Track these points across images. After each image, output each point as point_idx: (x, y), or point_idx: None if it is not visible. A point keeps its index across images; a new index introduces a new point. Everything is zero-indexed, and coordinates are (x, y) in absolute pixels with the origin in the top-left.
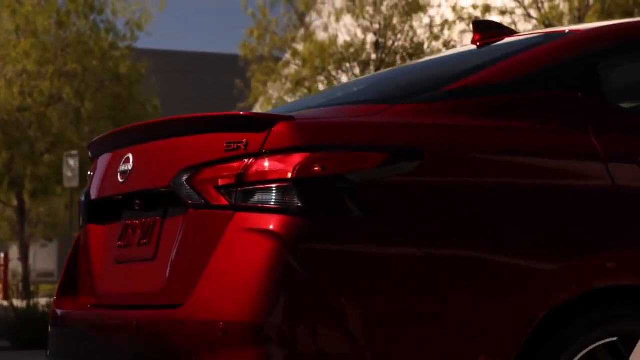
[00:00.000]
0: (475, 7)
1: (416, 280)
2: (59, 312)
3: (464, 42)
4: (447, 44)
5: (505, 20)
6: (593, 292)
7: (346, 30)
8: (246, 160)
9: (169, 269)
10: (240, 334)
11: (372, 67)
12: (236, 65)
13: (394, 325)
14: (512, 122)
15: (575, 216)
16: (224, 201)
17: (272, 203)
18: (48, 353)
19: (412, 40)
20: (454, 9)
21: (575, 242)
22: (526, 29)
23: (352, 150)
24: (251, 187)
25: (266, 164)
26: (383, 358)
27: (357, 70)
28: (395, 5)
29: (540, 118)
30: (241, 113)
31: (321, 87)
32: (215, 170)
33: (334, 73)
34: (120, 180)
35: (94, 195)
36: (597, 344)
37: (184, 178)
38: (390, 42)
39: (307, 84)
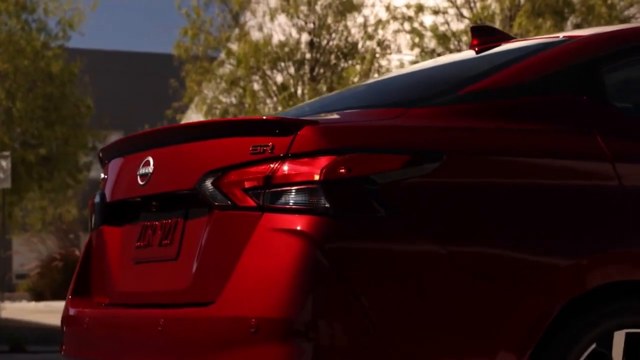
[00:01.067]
0: (408, 6)
1: (439, 276)
2: (73, 311)
3: (398, 41)
4: (381, 44)
5: (438, 20)
6: (606, 287)
7: (281, 29)
8: (273, 163)
9: (194, 268)
10: (271, 330)
11: (306, 67)
12: (170, 64)
13: (418, 320)
14: (524, 125)
15: (588, 214)
16: (251, 202)
17: (300, 204)
18: (63, 352)
19: (346, 39)
20: (387, 8)
21: (588, 239)
22: (459, 28)
23: (376, 152)
24: (279, 189)
25: (293, 166)
26: (408, 352)
27: (291, 70)
28: (329, 5)
29: (550, 121)
30: (266, 117)
31: (256, 86)
32: (241, 173)
33: (268, 72)
34: (141, 182)
35: (109, 197)
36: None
37: (210, 180)
38: (324, 42)
39: (242, 83)
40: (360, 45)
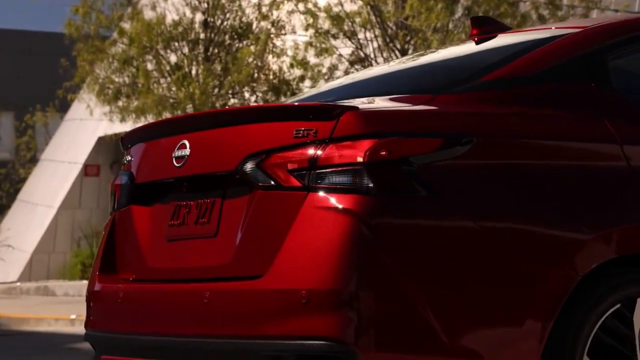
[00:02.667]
0: None
1: (472, 249)
2: (100, 287)
3: (292, 22)
4: (275, 24)
5: (332, 1)
6: (623, 259)
7: (174, 9)
8: (317, 146)
9: (237, 244)
10: (321, 300)
11: (200, 47)
12: (61, 43)
13: (454, 291)
14: (542, 111)
15: (603, 192)
16: (296, 183)
17: (345, 184)
18: (90, 325)
19: (240, 19)
20: None
21: (603, 214)
22: (352, 9)
23: (412, 136)
24: (324, 170)
25: (337, 149)
26: (444, 321)
27: (185, 50)
28: None
29: (564, 107)
30: (309, 104)
31: (149, 66)
32: (285, 156)
33: (162, 52)
34: (177, 164)
35: (139, 178)
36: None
37: (253, 162)
38: (219, 22)
39: (135, 63)
40: (254, 26)
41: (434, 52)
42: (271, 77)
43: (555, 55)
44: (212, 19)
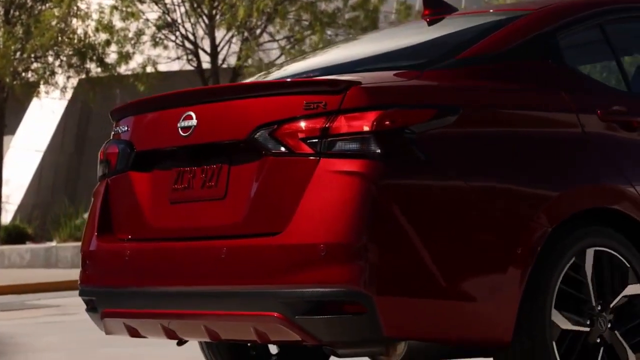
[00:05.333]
0: None
1: (462, 204)
2: (96, 247)
3: None
4: None
5: None
6: (581, 214)
7: None
8: (327, 117)
9: (249, 205)
10: (337, 253)
11: (0, 8)
12: None
13: (450, 240)
14: (512, 84)
15: (565, 156)
16: (308, 150)
17: (355, 150)
18: (86, 281)
19: None
20: None
21: (567, 175)
22: None
23: (411, 108)
24: (334, 138)
25: (346, 119)
26: (443, 267)
27: None
28: None
29: (529, 81)
30: (318, 79)
31: None
32: (297, 125)
33: None
34: (183, 134)
35: (140, 147)
36: (588, 249)
37: (265, 132)
38: None
39: None
40: None
41: (397, 30)
42: (76, 41)
43: (518, 35)
44: None
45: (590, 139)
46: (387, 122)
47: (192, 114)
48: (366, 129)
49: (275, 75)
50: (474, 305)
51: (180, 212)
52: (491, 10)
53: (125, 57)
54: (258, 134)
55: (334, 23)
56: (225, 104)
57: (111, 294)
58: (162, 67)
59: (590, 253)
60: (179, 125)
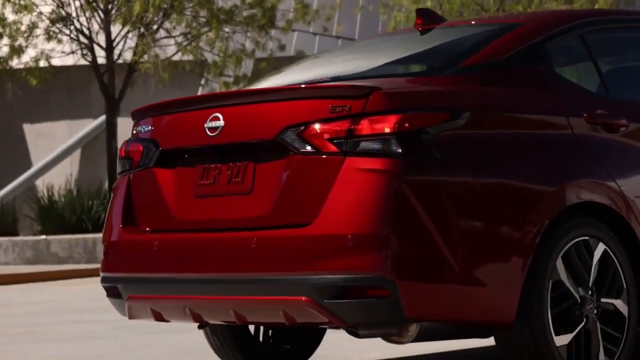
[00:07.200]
0: None
1: (473, 199)
2: (121, 238)
3: None
4: None
5: None
6: (577, 206)
7: None
8: (352, 119)
9: (276, 199)
10: (364, 243)
11: None
12: None
13: (463, 232)
14: (511, 89)
15: (560, 154)
16: (334, 149)
17: (378, 150)
18: (109, 269)
19: None
20: None
21: (562, 172)
22: None
23: (426, 111)
24: (359, 139)
25: (370, 122)
26: (457, 255)
27: None
28: None
29: (525, 86)
30: (342, 84)
31: None
32: (323, 127)
33: None
34: (210, 134)
35: (166, 145)
36: (578, 239)
37: (293, 132)
38: None
39: None
40: None
41: (398, 38)
42: None
43: (513, 44)
44: None
45: (579, 140)
46: (407, 125)
47: (219, 115)
48: (387, 130)
49: (289, 78)
50: (483, 289)
51: (206, 206)
52: (473, 22)
53: (17, 51)
54: (285, 134)
55: (232, 20)
56: (252, 106)
57: (137, 280)
58: (55, 62)
59: (580, 242)
60: (205, 125)
